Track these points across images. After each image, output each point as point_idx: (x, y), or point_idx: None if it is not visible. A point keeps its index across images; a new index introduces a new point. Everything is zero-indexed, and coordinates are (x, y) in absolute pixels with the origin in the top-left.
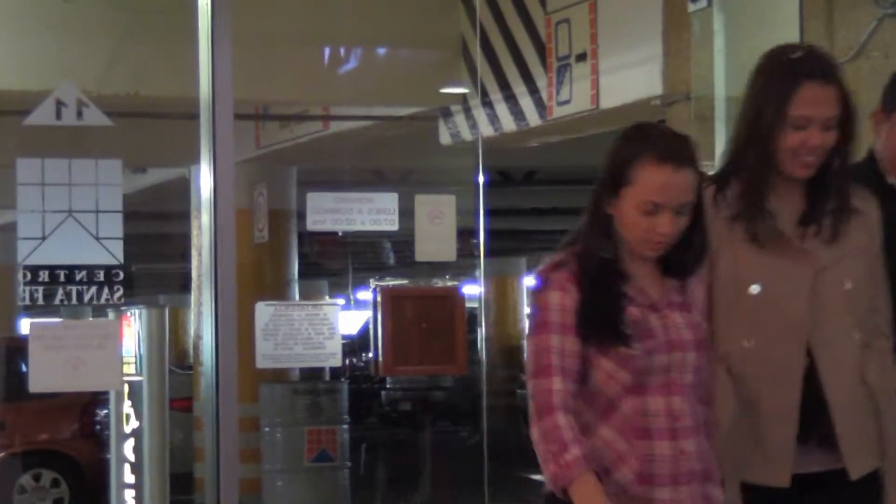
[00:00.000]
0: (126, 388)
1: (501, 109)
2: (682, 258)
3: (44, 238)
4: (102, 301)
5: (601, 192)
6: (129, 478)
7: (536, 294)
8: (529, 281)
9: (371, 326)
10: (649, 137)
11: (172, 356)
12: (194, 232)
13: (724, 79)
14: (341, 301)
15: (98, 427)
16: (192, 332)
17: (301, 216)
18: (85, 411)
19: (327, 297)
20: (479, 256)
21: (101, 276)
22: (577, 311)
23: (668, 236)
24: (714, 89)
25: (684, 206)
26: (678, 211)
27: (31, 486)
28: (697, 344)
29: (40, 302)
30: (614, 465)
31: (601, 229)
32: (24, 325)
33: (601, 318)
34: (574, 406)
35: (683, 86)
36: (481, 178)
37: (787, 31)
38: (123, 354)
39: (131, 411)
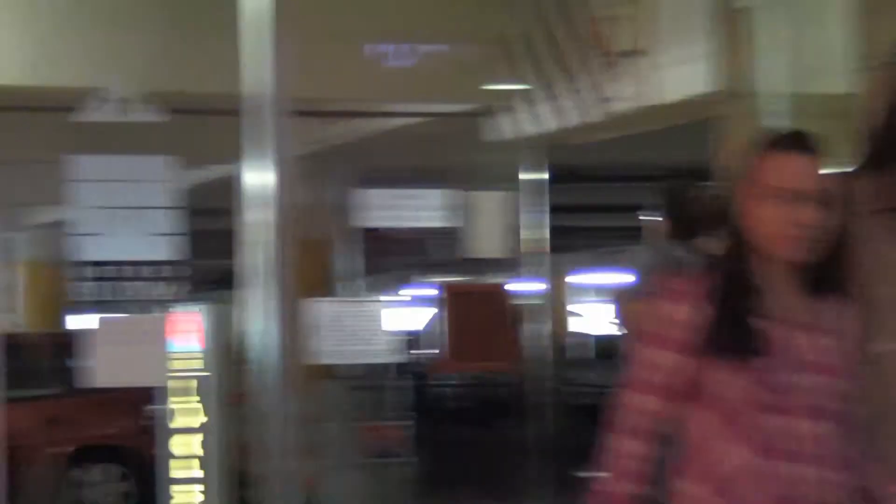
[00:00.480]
0: (193, 383)
1: (550, 107)
2: (824, 271)
3: (97, 234)
4: (155, 297)
5: (733, 203)
6: (197, 473)
7: (651, 302)
8: (580, 278)
9: (432, 323)
10: (769, 137)
11: (233, 352)
12: (243, 228)
13: (779, 75)
14: (395, 297)
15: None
16: (250, 328)
17: (352, 213)
18: (149, 405)
19: (381, 294)
20: (538, 253)
21: (154, 272)
22: (688, 325)
23: (807, 227)
24: (767, 86)
25: (819, 194)
26: (815, 200)
27: (97, 480)
28: (827, 369)
29: (94, 298)
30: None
31: (736, 241)
32: (81, 321)
33: (725, 328)
34: (654, 424)
35: (737, 82)
36: (529, 175)
37: (835, 30)
38: (188, 350)
39: (199, 406)
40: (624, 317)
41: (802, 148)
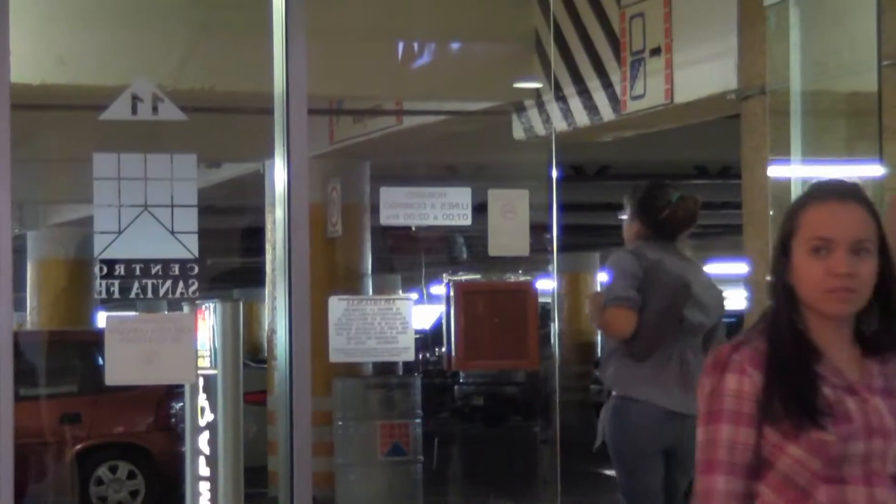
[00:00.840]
0: (201, 381)
1: (575, 104)
2: (880, 328)
3: (120, 232)
4: (177, 295)
5: (777, 261)
6: (204, 470)
7: (711, 377)
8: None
9: (444, 321)
10: (810, 189)
11: (246, 350)
12: (268, 226)
13: (800, 73)
14: (414, 296)
15: (173, 420)
16: (266, 326)
17: (374, 211)
18: (160, 404)
19: (400, 292)
20: (552, 251)
21: (176, 269)
22: (755, 397)
23: (845, 279)
24: (790, 83)
25: (860, 243)
26: (854, 250)
27: (108, 477)
28: None
29: (116, 295)
30: None
31: (786, 301)
32: (101, 319)
33: (792, 398)
34: None
35: (758, 80)
36: (554, 173)
37: (863, 25)
38: (198, 348)
39: (206, 404)
40: (593, 318)
41: (839, 196)
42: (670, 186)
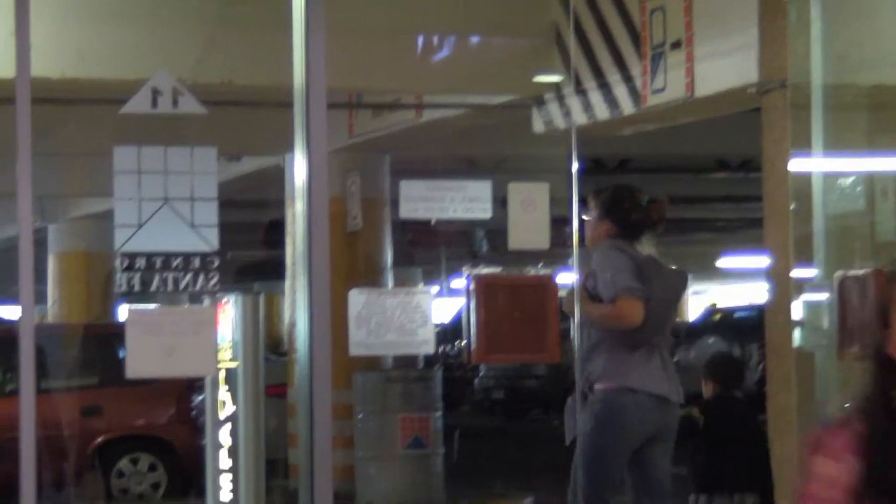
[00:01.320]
0: (222, 374)
1: (595, 97)
2: None
3: (140, 225)
4: (198, 288)
5: (874, 333)
6: (225, 463)
7: (809, 454)
8: None
9: (464, 314)
10: None
11: (267, 343)
12: (289, 220)
13: (821, 67)
14: (434, 289)
15: (194, 412)
16: (286, 318)
17: (394, 204)
18: (181, 397)
19: (420, 285)
20: (572, 245)
21: (196, 263)
22: (849, 485)
23: None
24: (811, 77)
25: None
26: None
27: (130, 470)
28: None
29: (137, 289)
30: None
31: (884, 376)
32: (123, 312)
33: (885, 492)
34: None
35: (779, 74)
36: (575, 166)
37: (885, 19)
38: (219, 341)
39: (227, 397)
40: (588, 313)
41: None
42: (637, 189)
